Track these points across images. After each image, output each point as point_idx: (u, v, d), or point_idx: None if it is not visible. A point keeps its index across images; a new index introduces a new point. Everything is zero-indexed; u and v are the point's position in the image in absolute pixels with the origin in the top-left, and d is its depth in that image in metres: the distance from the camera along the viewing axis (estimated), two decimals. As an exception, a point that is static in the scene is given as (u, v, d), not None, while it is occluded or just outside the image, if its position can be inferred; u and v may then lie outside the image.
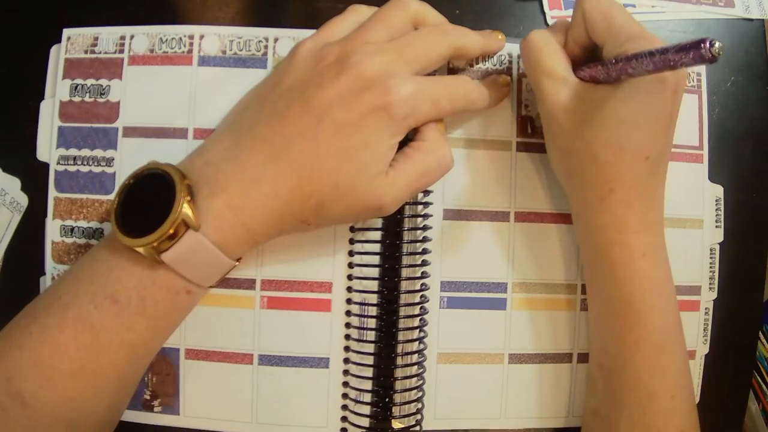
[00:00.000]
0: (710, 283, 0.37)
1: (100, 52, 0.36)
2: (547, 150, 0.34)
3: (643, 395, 0.30)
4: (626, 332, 0.31)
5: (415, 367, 0.35)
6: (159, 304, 0.28)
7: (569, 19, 0.33)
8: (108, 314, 0.27)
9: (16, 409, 0.26)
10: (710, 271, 0.37)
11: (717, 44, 0.22)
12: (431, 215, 0.35)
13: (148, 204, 0.28)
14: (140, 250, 0.27)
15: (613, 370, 0.32)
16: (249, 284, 0.35)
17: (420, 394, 0.35)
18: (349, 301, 0.35)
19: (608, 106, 0.29)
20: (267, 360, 0.35)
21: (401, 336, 0.35)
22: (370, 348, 0.35)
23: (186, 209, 0.27)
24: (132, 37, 0.36)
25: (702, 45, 0.22)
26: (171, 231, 0.26)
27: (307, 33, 0.33)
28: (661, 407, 0.30)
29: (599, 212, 0.31)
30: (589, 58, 0.32)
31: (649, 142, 0.29)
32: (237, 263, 0.30)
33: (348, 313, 0.35)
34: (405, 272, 0.35)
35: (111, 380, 0.28)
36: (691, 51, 0.23)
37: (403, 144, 0.31)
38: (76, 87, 0.36)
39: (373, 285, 0.35)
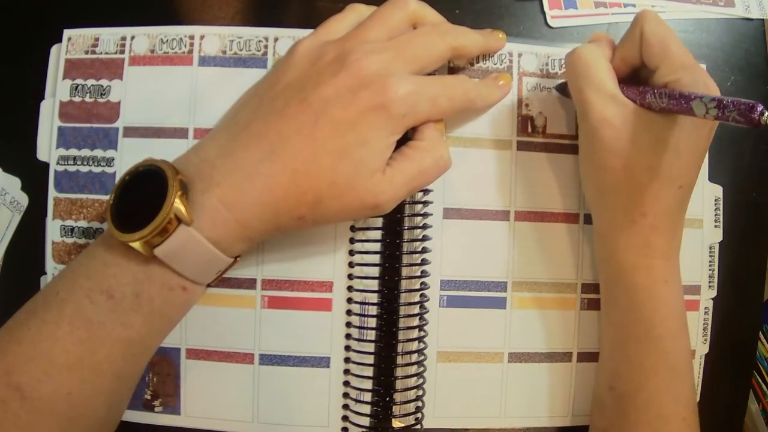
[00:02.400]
0: (710, 282, 0.37)
1: (100, 53, 0.36)
2: (580, 164, 0.34)
3: (656, 417, 0.31)
4: (644, 356, 0.31)
5: (416, 366, 0.35)
6: (154, 300, 0.29)
7: (610, 37, 0.34)
8: (103, 309, 0.28)
9: (15, 401, 0.27)
10: (710, 270, 0.37)
11: (766, 114, 0.23)
12: (431, 214, 0.35)
13: (143, 200, 0.28)
14: (134, 245, 0.27)
15: (626, 393, 0.32)
16: (250, 284, 0.35)
17: (420, 393, 0.35)
18: (349, 301, 0.35)
19: (655, 132, 0.30)
20: (268, 359, 0.35)
21: (401, 335, 0.35)
22: (371, 347, 0.35)
23: (178, 204, 0.27)
24: (132, 37, 0.36)
25: (756, 109, 0.24)
26: (163, 226, 0.26)
27: (306, 33, 0.33)
28: (672, 429, 0.31)
29: (627, 234, 0.31)
30: (631, 76, 0.33)
31: (685, 172, 0.30)
32: (233, 260, 0.30)
33: (348, 313, 0.35)
34: (405, 271, 0.35)
35: (108, 376, 0.28)
36: (744, 113, 0.24)
37: (403, 143, 0.31)
38: (76, 87, 0.36)
39: (374, 284, 0.35)
